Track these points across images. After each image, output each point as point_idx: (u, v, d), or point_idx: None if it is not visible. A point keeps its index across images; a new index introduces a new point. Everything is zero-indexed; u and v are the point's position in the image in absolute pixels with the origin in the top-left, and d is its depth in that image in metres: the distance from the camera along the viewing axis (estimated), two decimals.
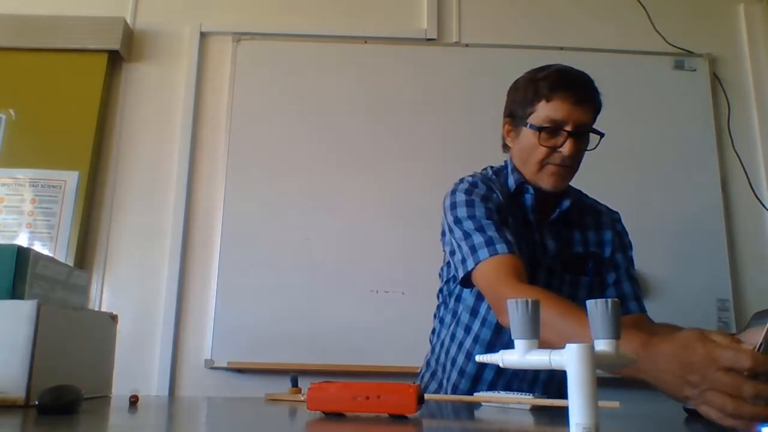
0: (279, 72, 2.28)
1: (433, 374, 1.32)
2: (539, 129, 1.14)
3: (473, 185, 1.18)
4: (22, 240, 2.08)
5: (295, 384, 1.35)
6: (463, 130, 2.24)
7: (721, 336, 0.70)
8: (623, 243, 1.33)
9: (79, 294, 1.07)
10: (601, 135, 1.21)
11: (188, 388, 2.04)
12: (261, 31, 2.33)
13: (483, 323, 1.21)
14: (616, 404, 0.81)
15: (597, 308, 0.56)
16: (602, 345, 0.56)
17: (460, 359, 1.23)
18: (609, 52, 2.34)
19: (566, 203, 1.23)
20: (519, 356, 0.58)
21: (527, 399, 0.88)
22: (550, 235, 1.21)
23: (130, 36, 2.34)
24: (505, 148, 1.28)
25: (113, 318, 1.10)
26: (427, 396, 0.93)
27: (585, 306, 0.57)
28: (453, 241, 1.14)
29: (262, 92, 2.26)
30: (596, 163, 2.22)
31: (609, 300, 0.56)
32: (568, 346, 0.52)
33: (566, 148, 1.14)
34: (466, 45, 2.35)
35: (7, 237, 2.07)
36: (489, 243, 1.07)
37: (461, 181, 1.22)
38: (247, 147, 2.20)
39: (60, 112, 2.22)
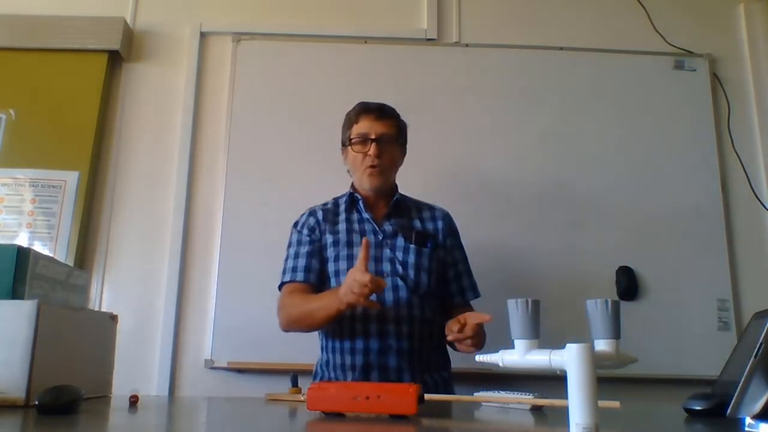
0: (279, 72, 2.28)
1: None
2: (350, 142, 1.56)
3: (302, 215, 1.66)
4: (22, 240, 2.08)
5: (295, 384, 1.35)
6: (463, 130, 2.24)
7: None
8: (456, 238, 1.66)
9: (79, 294, 1.07)
10: (402, 146, 1.63)
11: (188, 388, 2.04)
12: (261, 31, 2.33)
13: None
14: (616, 404, 0.81)
15: (597, 308, 0.56)
16: (602, 345, 0.56)
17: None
18: (609, 52, 2.34)
19: (394, 199, 1.61)
20: (519, 356, 0.58)
21: (527, 399, 0.88)
22: (388, 223, 1.58)
23: (130, 36, 2.34)
24: (349, 174, 1.64)
25: (113, 318, 1.10)
26: (427, 396, 0.93)
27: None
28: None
29: (262, 92, 2.26)
30: (596, 162, 2.23)
31: (609, 300, 0.56)
32: (568, 346, 0.52)
33: (372, 150, 1.53)
34: (466, 45, 2.35)
35: (7, 237, 2.07)
36: (283, 272, 1.58)
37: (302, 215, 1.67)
38: (247, 147, 2.19)
39: (60, 112, 2.22)
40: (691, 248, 2.16)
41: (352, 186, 1.64)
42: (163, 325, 2.07)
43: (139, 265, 2.14)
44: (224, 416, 0.84)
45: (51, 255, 1.56)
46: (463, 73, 2.31)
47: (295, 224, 1.65)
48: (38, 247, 1.99)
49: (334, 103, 2.24)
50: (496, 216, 2.16)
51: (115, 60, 2.32)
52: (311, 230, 1.60)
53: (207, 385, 2.02)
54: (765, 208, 2.24)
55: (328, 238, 1.57)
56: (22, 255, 0.89)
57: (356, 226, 1.58)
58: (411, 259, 1.53)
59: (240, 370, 2.04)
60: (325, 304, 1.42)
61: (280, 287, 1.58)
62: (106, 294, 2.12)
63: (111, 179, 2.21)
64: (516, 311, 0.58)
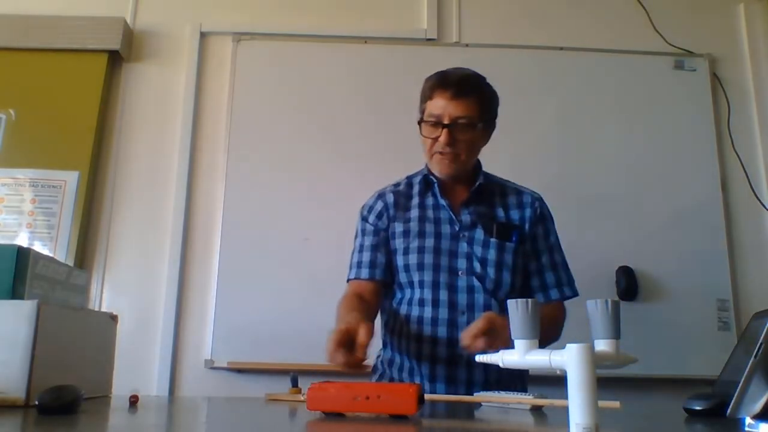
0: (279, 72, 2.28)
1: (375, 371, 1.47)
2: (420, 123, 1.35)
3: (372, 197, 1.46)
4: (22, 240, 2.08)
5: (295, 384, 1.35)
6: None
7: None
8: (545, 225, 1.43)
9: (79, 294, 1.07)
10: (486, 125, 1.36)
11: (188, 388, 2.04)
12: (261, 31, 2.33)
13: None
14: (616, 404, 0.81)
15: (597, 308, 0.56)
16: (602, 345, 0.56)
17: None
18: (609, 52, 2.34)
19: (476, 183, 1.39)
20: (519, 356, 0.58)
21: (527, 399, 0.88)
22: (467, 212, 1.37)
23: (130, 36, 2.34)
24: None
25: (113, 318, 1.10)
26: (427, 396, 0.93)
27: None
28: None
29: (262, 92, 2.26)
30: (596, 162, 2.23)
31: (609, 300, 0.56)
32: (569, 346, 0.52)
33: (442, 138, 1.30)
34: (466, 45, 2.35)
35: (7, 237, 2.07)
36: (351, 267, 1.41)
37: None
38: (247, 147, 2.19)
39: (60, 112, 2.22)
40: (691, 248, 2.16)
41: (428, 165, 1.44)
42: (163, 325, 2.07)
43: (139, 265, 2.14)
44: (224, 416, 0.84)
45: (51, 255, 1.56)
46: None
47: (362, 209, 1.45)
48: (38, 247, 1.99)
49: (334, 103, 2.25)
50: None
51: (115, 60, 2.32)
52: (378, 217, 1.41)
53: (207, 385, 2.02)
54: (765, 208, 2.24)
55: (397, 227, 1.38)
56: (22, 255, 0.88)
57: (430, 213, 1.38)
58: (491, 255, 1.33)
59: (240, 370, 2.04)
60: (341, 317, 1.25)
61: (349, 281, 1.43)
62: (106, 294, 2.12)
63: (111, 179, 2.21)
64: (516, 311, 0.58)
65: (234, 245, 2.10)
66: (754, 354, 0.65)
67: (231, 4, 2.39)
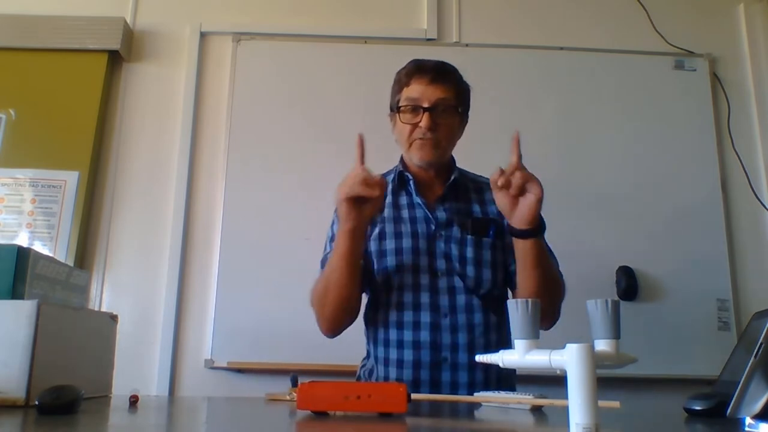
0: (279, 72, 2.28)
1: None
2: (398, 109, 1.31)
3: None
4: (22, 240, 2.08)
5: (295, 384, 1.35)
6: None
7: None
8: None
9: (79, 294, 1.07)
10: (465, 110, 1.36)
11: (188, 388, 2.04)
12: (261, 31, 2.33)
13: None
14: (616, 404, 0.81)
15: (597, 308, 0.56)
16: (602, 345, 0.56)
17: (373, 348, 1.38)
18: (609, 52, 2.34)
19: (451, 178, 1.35)
20: (519, 356, 0.58)
21: (527, 399, 0.88)
22: (442, 209, 1.33)
23: (130, 36, 2.34)
24: (397, 143, 1.40)
25: (113, 318, 1.10)
26: (426, 396, 0.94)
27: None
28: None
29: (262, 92, 2.26)
30: (596, 162, 2.23)
31: (609, 300, 0.56)
32: (569, 346, 0.52)
33: (423, 122, 1.26)
34: (466, 45, 2.35)
35: (7, 237, 2.07)
36: (323, 261, 1.33)
37: None
38: (247, 147, 2.19)
39: (60, 112, 2.22)
40: (691, 248, 2.16)
41: (402, 161, 1.40)
42: (163, 325, 2.07)
43: (139, 265, 2.14)
44: (224, 416, 0.84)
45: (51, 255, 1.56)
46: (463, 73, 2.30)
47: (335, 211, 1.37)
48: (38, 247, 1.99)
49: (334, 103, 2.25)
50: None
51: (115, 60, 2.31)
52: None
53: (207, 385, 2.02)
54: (765, 208, 2.24)
55: (388, 227, 1.32)
56: (22, 255, 0.88)
57: (405, 213, 1.33)
58: (469, 252, 1.28)
59: (240, 370, 2.04)
60: (334, 250, 1.22)
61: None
62: (106, 294, 2.12)
63: (111, 179, 2.21)
64: (516, 311, 0.58)
65: (234, 245, 2.10)
66: (754, 354, 0.65)
67: (231, 4, 2.39)
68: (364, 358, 1.42)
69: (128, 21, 2.33)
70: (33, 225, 2.11)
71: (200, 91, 2.29)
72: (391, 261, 1.29)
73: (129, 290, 2.12)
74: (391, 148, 2.20)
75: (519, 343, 0.58)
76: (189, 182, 2.20)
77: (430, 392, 1.23)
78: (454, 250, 1.29)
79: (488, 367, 1.26)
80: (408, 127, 1.30)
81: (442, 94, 1.29)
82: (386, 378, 1.28)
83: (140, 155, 2.24)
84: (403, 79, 1.34)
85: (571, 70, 2.32)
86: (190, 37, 2.33)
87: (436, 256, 1.29)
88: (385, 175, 1.37)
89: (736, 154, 2.28)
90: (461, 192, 1.37)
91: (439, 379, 1.24)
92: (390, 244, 1.30)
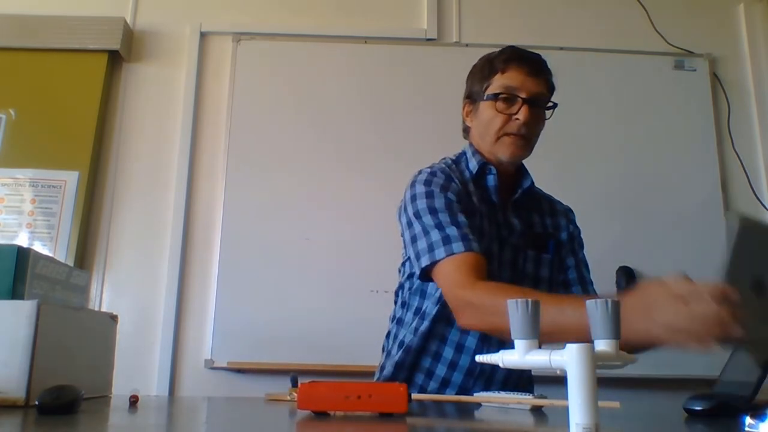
0: (279, 72, 2.28)
1: (393, 380, 1.22)
2: (495, 97, 1.17)
3: (432, 175, 1.17)
4: (22, 240, 2.08)
5: (295, 384, 1.35)
6: None
7: (673, 278, 0.86)
8: (579, 238, 1.35)
9: (79, 294, 1.07)
10: (554, 105, 1.24)
11: (188, 388, 2.04)
12: (261, 31, 2.33)
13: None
14: (616, 404, 0.81)
15: (597, 308, 0.56)
16: (602, 345, 0.56)
17: (428, 361, 1.18)
18: (609, 52, 2.34)
19: (527, 182, 1.25)
20: (519, 356, 0.58)
21: (527, 399, 0.88)
22: (514, 214, 1.22)
23: (130, 36, 2.34)
24: (465, 132, 1.29)
25: (113, 318, 1.10)
26: (427, 396, 0.93)
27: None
28: (413, 235, 1.13)
29: (262, 92, 2.26)
30: (596, 162, 2.23)
31: (609, 300, 0.56)
32: (569, 346, 0.52)
33: (522, 114, 1.15)
34: (466, 45, 2.35)
35: (7, 237, 2.07)
36: (446, 241, 1.06)
37: (420, 172, 1.20)
38: (247, 147, 2.19)
39: (60, 112, 2.22)
40: (692, 248, 2.16)
41: (476, 150, 1.23)
42: (163, 325, 2.07)
43: (139, 265, 2.14)
44: (224, 416, 0.84)
45: (51, 255, 1.56)
46: (464, 73, 2.29)
47: (432, 183, 1.15)
48: (38, 247, 1.99)
49: (334, 103, 2.25)
50: None
51: (115, 60, 2.32)
52: (458, 195, 1.14)
53: (207, 385, 2.02)
54: (765, 208, 2.24)
55: (485, 223, 1.16)
56: (22, 255, 0.88)
57: (485, 211, 1.18)
58: (528, 268, 1.20)
59: (240, 370, 2.04)
60: (579, 326, 0.80)
61: (424, 271, 1.09)
62: (106, 294, 2.12)
63: (111, 179, 2.21)
64: (516, 311, 0.58)
65: (234, 245, 2.10)
66: None
67: (231, 4, 2.39)
68: (393, 347, 1.24)
69: (128, 21, 2.33)
70: (33, 225, 2.11)
71: (200, 91, 2.29)
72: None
73: (129, 290, 2.12)
74: (391, 148, 2.21)
75: (519, 343, 0.58)
76: (189, 182, 2.20)
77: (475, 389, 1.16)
78: (530, 269, 1.19)
79: (527, 380, 1.24)
80: (501, 118, 1.16)
81: (539, 89, 1.19)
82: (437, 378, 1.18)
83: (140, 155, 2.24)
84: (499, 64, 1.20)
85: (571, 70, 2.32)
86: (190, 37, 2.33)
87: (516, 271, 1.17)
88: (457, 162, 1.24)
89: (736, 154, 2.28)
90: (534, 202, 1.28)
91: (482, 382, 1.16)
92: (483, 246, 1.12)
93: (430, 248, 1.07)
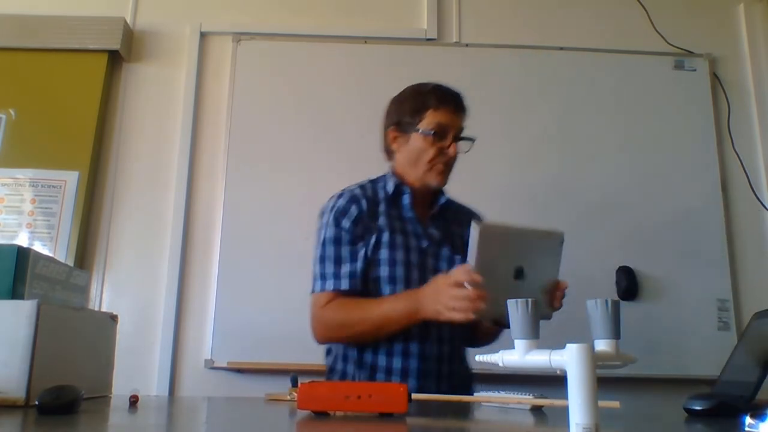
0: (279, 72, 2.28)
1: (332, 371, 1.40)
2: (431, 133, 1.34)
3: (338, 198, 1.38)
4: (22, 240, 2.08)
5: (295, 384, 1.35)
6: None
7: (454, 270, 1.18)
8: None
9: (79, 294, 1.07)
10: (473, 140, 1.40)
11: (188, 388, 2.04)
12: (261, 31, 2.33)
13: None
14: (616, 404, 0.81)
15: (597, 308, 0.56)
16: (602, 345, 0.56)
17: (354, 353, 1.35)
18: (609, 52, 2.34)
19: (443, 199, 1.43)
20: (519, 356, 0.58)
21: (527, 399, 0.88)
22: (433, 226, 1.40)
23: (130, 36, 2.34)
24: (389, 155, 1.46)
25: (113, 318, 1.10)
26: (427, 396, 0.93)
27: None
28: (314, 259, 1.37)
29: (262, 92, 2.26)
30: (596, 162, 2.23)
31: (609, 300, 0.56)
32: (569, 346, 0.52)
33: (452, 150, 1.35)
34: (466, 45, 2.35)
35: (7, 237, 2.07)
36: (323, 277, 1.33)
37: (330, 198, 1.41)
38: (247, 147, 2.19)
39: (60, 112, 2.22)
40: (691, 248, 2.16)
41: (395, 173, 1.42)
42: (163, 325, 2.07)
43: (139, 265, 2.14)
44: (224, 416, 0.84)
45: (51, 255, 1.56)
46: (463, 73, 2.31)
47: (333, 212, 1.36)
48: (38, 247, 1.99)
49: (334, 103, 2.25)
50: (495, 215, 2.15)
51: (115, 60, 2.32)
52: (354, 223, 1.34)
53: (207, 385, 2.02)
54: (765, 208, 2.24)
55: (384, 236, 1.33)
56: (22, 255, 0.88)
57: (398, 224, 1.36)
58: (443, 267, 1.35)
59: (240, 370, 2.04)
60: (397, 310, 1.23)
61: (311, 294, 1.37)
62: (106, 294, 2.12)
63: (111, 179, 2.21)
64: (516, 311, 0.58)
65: (234, 245, 2.10)
66: None
67: (231, 4, 2.39)
68: (330, 358, 1.42)
69: (128, 21, 2.33)
70: (33, 225, 2.11)
71: (200, 91, 2.29)
72: (384, 270, 1.32)
73: (129, 290, 2.12)
74: None
75: (519, 343, 0.58)
76: (189, 182, 2.20)
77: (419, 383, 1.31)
78: (443, 268, 1.35)
79: (464, 373, 1.43)
80: (433, 150, 1.34)
81: (462, 123, 1.38)
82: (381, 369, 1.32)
83: (140, 155, 2.24)
84: (431, 101, 1.36)
85: (571, 70, 2.32)
86: (190, 37, 2.33)
87: (426, 271, 1.34)
88: (375, 184, 1.43)
89: (736, 154, 2.28)
90: (450, 214, 1.45)
91: (426, 389, 1.29)
92: (384, 254, 1.32)
93: (313, 278, 1.35)
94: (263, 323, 2.03)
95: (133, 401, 0.88)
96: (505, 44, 2.34)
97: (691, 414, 0.80)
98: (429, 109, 1.35)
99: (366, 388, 0.74)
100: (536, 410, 0.87)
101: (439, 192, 1.43)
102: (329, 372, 1.42)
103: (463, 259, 1.31)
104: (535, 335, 0.58)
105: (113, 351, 1.09)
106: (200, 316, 2.08)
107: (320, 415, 0.75)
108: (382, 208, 1.37)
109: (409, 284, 1.31)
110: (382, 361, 1.32)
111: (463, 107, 1.39)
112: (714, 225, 2.19)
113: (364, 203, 1.36)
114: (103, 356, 1.05)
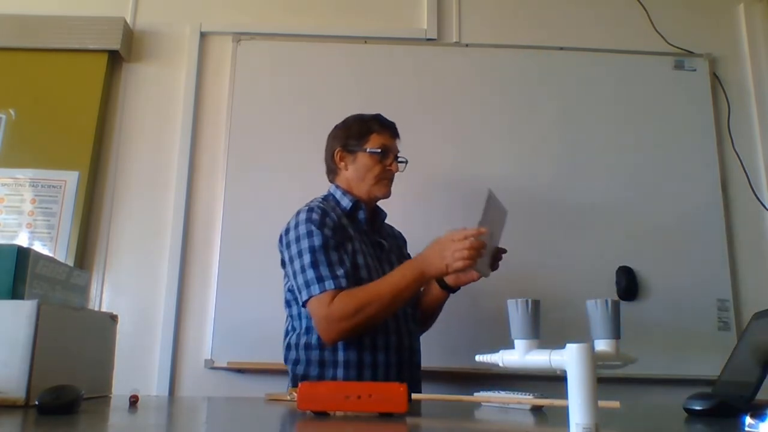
0: (279, 72, 2.28)
1: (296, 363, 1.49)
2: (378, 152, 1.56)
3: (311, 211, 1.48)
4: (22, 240, 2.08)
5: (295, 384, 1.35)
6: (463, 130, 2.24)
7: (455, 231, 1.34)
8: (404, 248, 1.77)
9: (79, 294, 1.07)
10: (406, 161, 1.64)
11: (188, 388, 2.04)
12: (261, 31, 2.33)
13: None
14: (616, 404, 0.81)
15: (597, 308, 0.56)
16: (602, 345, 0.56)
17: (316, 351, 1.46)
18: (609, 52, 2.34)
19: (384, 215, 1.68)
20: (519, 356, 0.58)
21: (527, 399, 0.88)
22: (381, 237, 1.63)
23: (130, 36, 2.34)
24: (332, 174, 1.64)
25: (113, 318, 1.10)
26: (427, 396, 0.94)
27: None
28: (294, 270, 1.44)
29: (262, 92, 2.26)
30: (596, 162, 2.23)
31: (609, 300, 0.56)
32: (569, 346, 0.52)
33: (395, 167, 1.59)
34: (466, 45, 2.35)
35: (7, 237, 2.07)
36: (320, 280, 1.38)
37: (298, 213, 1.51)
38: (247, 147, 2.19)
39: (60, 112, 2.22)
40: (691, 248, 2.16)
41: (350, 192, 1.59)
42: (163, 325, 2.07)
43: (139, 265, 2.14)
44: (224, 416, 0.84)
45: (51, 255, 1.56)
46: (463, 73, 2.31)
47: (312, 222, 1.46)
48: (38, 247, 1.99)
49: (334, 103, 2.24)
50: None
51: (115, 60, 2.31)
52: (334, 231, 1.47)
53: (207, 385, 2.02)
54: (765, 208, 2.24)
55: (356, 244, 1.51)
56: (22, 255, 0.89)
57: (358, 235, 1.55)
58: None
59: (240, 370, 2.04)
60: (406, 277, 1.37)
61: (307, 301, 1.41)
62: (106, 294, 2.12)
63: (111, 179, 2.21)
64: (516, 311, 0.58)
65: (234, 245, 2.10)
66: None
67: (231, 4, 2.39)
68: (293, 353, 1.50)
69: (128, 21, 2.33)
70: (33, 225, 2.11)
71: (200, 91, 2.29)
72: (364, 273, 1.47)
73: (129, 290, 2.12)
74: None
75: (519, 343, 0.58)
76: (189, 182, 2.20)
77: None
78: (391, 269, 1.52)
79: (417, 363, 1.58)
80: (379, 167, 1.56)
81: (398, 147, 1.62)
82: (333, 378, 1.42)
83: (140, 155, 2.24)
84: (375, 127, 1.59)
85: (571, 70, 2.32)
86: (190, 37, 2.33)
87: (382, 275, 1.49)
88: (325, 198, 1.59)
89: (736, 154, 2.28)
90: (386, 228, 1.70)
91: (387, 379, 1.42)
92: (361, 260, 1.49)
93: (307, 284, 1.39)
94: (263, 323, 2.02)
95: (133, 401, 0.88)
96: (505, 44, 2.34)
97: (691, 414, 0.80)
98: (373, 132, 1.58)
99: (366, 388, 0.74)
100: (536, 410, 0.87)
101: (378, 209, 1.65)
102: (295, 381, 1.46)
103: (402, 261, 1.53)
104: (535, 335, 0.58)
105: (113, 351, 1.09)
106: (200, 316, 2.08)
107: (320, 415, 0.75)
108: (345, 220, 1.53)
109: None
110: (343, 357, 1.43)
111: (398, 134, 1.62)
112: (714, 225, 2.19)
113: (333, 215, 1.50)
114: (103, 356, 1.05)
